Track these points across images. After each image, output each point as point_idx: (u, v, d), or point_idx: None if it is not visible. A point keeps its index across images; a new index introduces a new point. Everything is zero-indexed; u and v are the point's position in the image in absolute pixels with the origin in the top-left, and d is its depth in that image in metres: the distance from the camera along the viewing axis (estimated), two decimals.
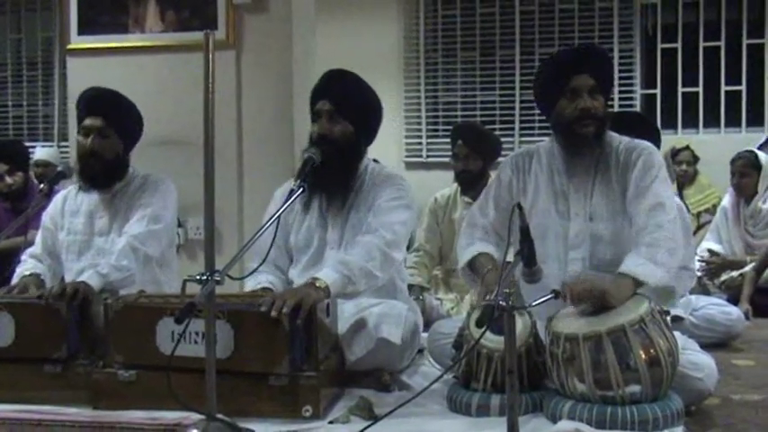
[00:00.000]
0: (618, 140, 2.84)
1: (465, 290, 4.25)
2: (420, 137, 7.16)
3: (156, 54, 4.33)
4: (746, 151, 5.09)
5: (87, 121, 3.19)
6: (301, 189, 2.72)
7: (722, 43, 6.59)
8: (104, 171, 3.20)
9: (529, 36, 6.91)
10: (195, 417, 2.33)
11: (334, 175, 2.94)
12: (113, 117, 3.20)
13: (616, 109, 6.60)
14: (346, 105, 2.97)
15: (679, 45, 6.69)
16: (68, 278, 3.14)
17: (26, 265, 3.25)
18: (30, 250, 3.33)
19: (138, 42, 4.36)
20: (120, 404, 2.59)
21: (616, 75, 6.61)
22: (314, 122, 3.00)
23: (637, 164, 2.74)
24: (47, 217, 3.35)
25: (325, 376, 2.59)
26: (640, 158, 2.75)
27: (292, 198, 2.69)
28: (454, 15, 7.07)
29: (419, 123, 7.17)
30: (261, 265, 2.65)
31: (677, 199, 3.67)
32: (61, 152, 6.80)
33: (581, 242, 2.78)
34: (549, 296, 2.31)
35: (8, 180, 4.51)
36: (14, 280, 3.16)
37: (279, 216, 2.55)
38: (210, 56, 2.21)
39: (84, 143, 3.18)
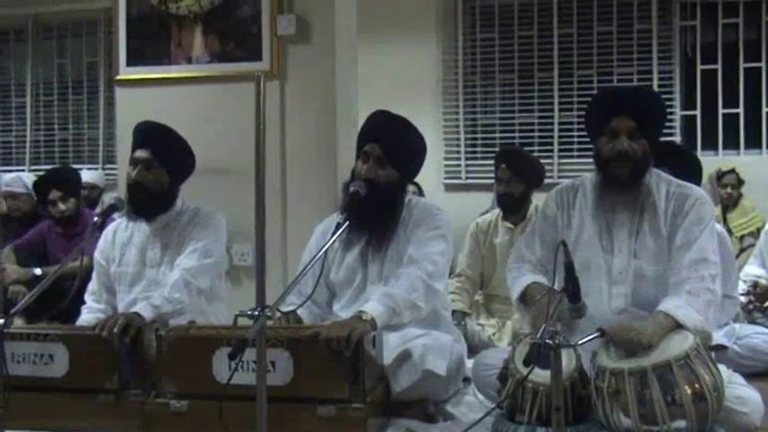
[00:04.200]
0: (668, 182, 2.85)
1: (506, 315, 4.27)
2: (459, 159, 7.20)
3: (201, 84, 4.41)
4: None
5: (136, 153, 3.31)
6: (347, 222, 2.79)
7: (763, 64, 6.55)
8: (149, 202, 3.29)
9: (567, 58, 6.92)
10: None
11: (376, 213, 3.01)
12: (160, 150, 3.30)
13: None
14: (396, 153, 3.03)
15: (719, 66, 6.66)
16: (120, 309, 3.24)
17: (88, 310, 3.37)
18: (89, 288, 3.45)
19: (184, 73, 4.45)
20: None
21: None
22: (361, 162, 3.06)
23: (689, 214, 2.76)
24: (98, 253, 3.45)
25: (372, 407, 2.64)
26: (693, 209, 2.76)
27: (339, 231, 2.76)
28: (492, 38, 7.11)
29: (458, 145, 7.20)
30: (305, 302, 2.73)
31: (719, 226, 3.66)
32: (106, 174, 6.93)
33: (624, 278, 2.79)
34: (596, 335, 2.34)
35: (61, 206, 4.61)
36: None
37: (325, 251, 2.62)
38: (261, 99, 2.27)
39: (130, 174, 3.30)
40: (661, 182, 2.85)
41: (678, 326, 2.55)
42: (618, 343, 2.49)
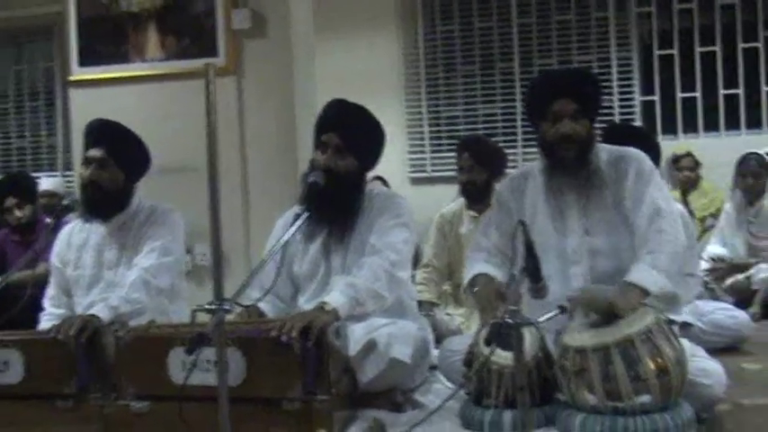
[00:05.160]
0: (607, 151, 2.87)
1: (468, 302, 4.26)
2: (423, 152, 7.18)
3: (157, 82, 4.38)
4: (754, 153, 5.10)
5: (89, 152, 3.25)
6: (307, 213, 2.76)
7: (718, 48, 6.60)
8: (104, 201, 3.24)
9: (527, 48, 6.93)
10: None
11: (336, 203, 2.98)
12: (113, 148, 3.24)
13: (616, 117, 6.64)
14: (354, 141, 3.00)
15: (675, 51, 6.71)
16: (78, 312, 3.15)
17: (47, 317, 3.30)
18: (48, 293, 3.39)
19: (139, 72, 4.41)
20: None
21: (615, 83, 6.68)
22: (319, 152, 3.03)
23: (629, 173, 2.78)
24: (54, 256, 3.39)
25: (338, 399, 2.61)
26: (631, 167, 2.78)
27: (298, 222, 2.74)
28: (453, 30, 7.09)
29: (422, 138, 7.19)
30: (265, 295, 2.69)
31: (680, 206, 3.69)
32: (66, 182, 6.83)
33: (580, 257, 2.81)
34: (556, 312, 2.33)
35: (17, 213, 4.53)
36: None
37: (285, 243, 2.58)
38: (212, 87, 2.23)
39: (84, 174, 3.23)
40: (600, 153, 2.86)
41: (645, 293, 2.56)
42: (582, 306, 2.50)
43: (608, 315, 2.50)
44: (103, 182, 3.22)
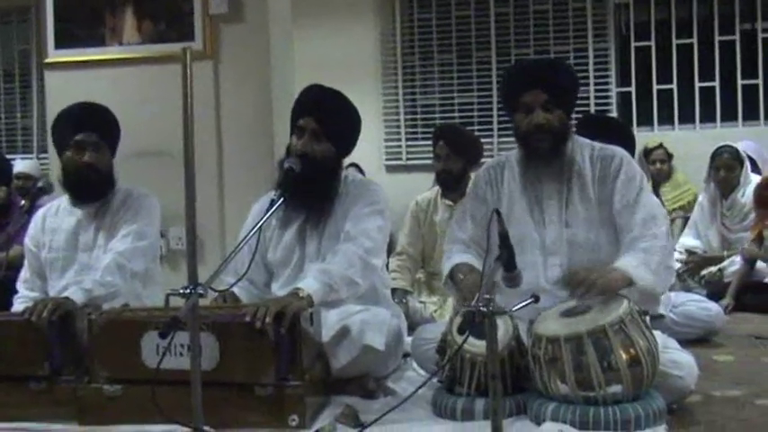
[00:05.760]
0: (590, 147, 2.88)
1: (448, 293, 4.28)
2: (399, 140, 7.19)
3: (133, 66, 4.33)
4: (727, 146, 5.15)
5: (80, 136, 3.20)
6: (282, 199, 2.75)
7: (695, 40, 6.66)
8: (99, 184, 3.24)
9: (504, 37, 6.96)
10: (182, 430, 2.34)
11: (312, 189, 2.97)
12: (106, 132, 3.25)
13: (592, 108, 6.67)
14: (331, 126, 2.99)
15: (652, 43, 6.75)
16: (52, 295, 3.14)
17: (21, 300, 3.27)
18: (21, 276, 3.36)
19: (115, 55, 4.35)
20: (107, 419, 2.61)
21: (591, 74, 6.71)
22: (295, 137, 3.01)
23: (619, 175, 2.80)
24: (28, 239, 3.36)
25: (311, 385, 2.61)
26: (621, 169, 2.80)
27: (273, 208, 2.72)
28: (430, 18, 7.11)
29: (398, 126, 7.20)
30: (239, 280, 2.69)
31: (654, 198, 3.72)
32: (41, 164, 6.76)
33: (558, 249, 2.82)
34: (530, 300, 2.34)
35: None
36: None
37: (260, 228, 2.58)
38: (189, 71, 2.22)
39: (77, 158, 3.19)
40: (584, 148, 2.88)
41: (629, 283, 2.58)
42: (574, 280, 2.55)
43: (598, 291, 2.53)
44: (101, 165, 3.22)
